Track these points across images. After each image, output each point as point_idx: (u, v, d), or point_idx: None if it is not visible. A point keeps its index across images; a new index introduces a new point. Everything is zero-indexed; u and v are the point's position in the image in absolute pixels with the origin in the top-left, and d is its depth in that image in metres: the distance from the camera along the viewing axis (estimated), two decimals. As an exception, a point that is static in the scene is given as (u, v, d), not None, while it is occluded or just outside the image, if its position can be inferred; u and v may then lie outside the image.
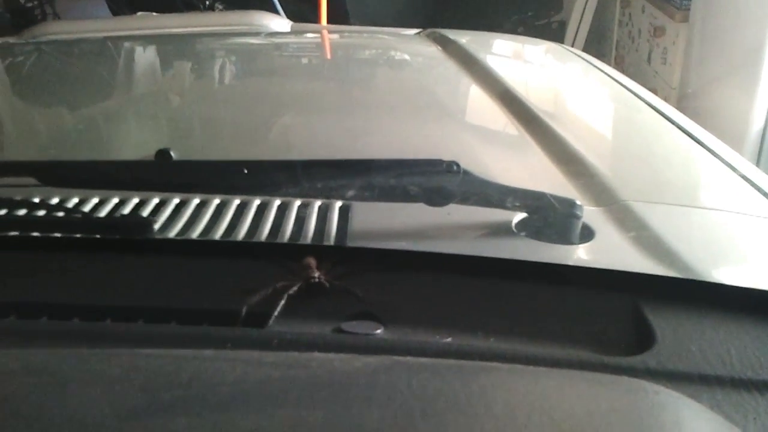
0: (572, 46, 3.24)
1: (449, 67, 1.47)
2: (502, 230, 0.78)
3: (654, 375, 0.54)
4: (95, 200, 0.85)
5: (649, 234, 0.77)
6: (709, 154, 1.04)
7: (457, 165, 0.74)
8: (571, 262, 0.73)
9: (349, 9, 3.60)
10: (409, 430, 0.40)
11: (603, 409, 0.44)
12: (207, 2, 3.40)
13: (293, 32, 1.90)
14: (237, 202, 0.84)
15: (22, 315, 0.64)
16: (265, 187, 0.79)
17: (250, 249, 0.77)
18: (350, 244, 0.75)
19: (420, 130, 1.15)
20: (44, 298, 0.67)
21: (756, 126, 2.66)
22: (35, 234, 0.77)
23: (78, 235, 0.77)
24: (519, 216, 0.79)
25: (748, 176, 0.96)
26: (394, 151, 1.01)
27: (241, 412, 0.41)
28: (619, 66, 3.55)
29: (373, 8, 3.82)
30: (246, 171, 0.74)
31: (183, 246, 0.77)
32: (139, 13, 2.35)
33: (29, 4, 3.73)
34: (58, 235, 0.77)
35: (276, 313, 0.62)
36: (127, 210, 0.83)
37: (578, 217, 0.77)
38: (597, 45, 3.81)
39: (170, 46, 1.76)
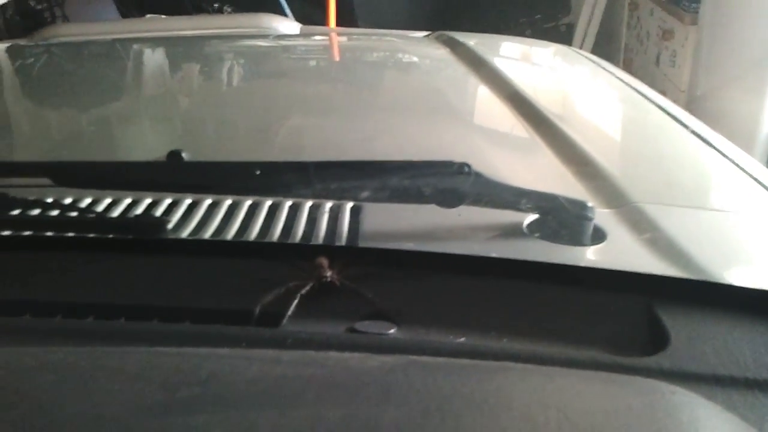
0: (580, 49, 3.24)
1: (459, 70, 1.48)
2: (513, 231, 0.78)
3: (668, 376, 0.53)
4: (108, 201, 0.85)
5: (662, 236, 0.76)
6: (720, 156, 1.04)
7: (469, 166, 0.74)
8: (583, 264, 0.73)
9: (357, 12, 3.61)
10: (427, 428, 0.40)
11: (620, 409, 0.44)
12: (216, 5, 3.42)
13: (302, 35, 1.91)
14: (249, 202, 0.85)
15: (37, 313, 0.64)
16: (277, 188, 0.79)
17: (262, 249, 0.77)
18: (362, 244, 0.76)
19: (431, 132, 1.15)
20: (58, 297, 0.67)
21: (766, 128, 2.66)
22: (50, 234, 0.78)
23: (91, 235, 0.78)
24: (530, 217, 0.79)
25: (759, 178, 0.96)
26: (405, 153, 1.01)
27: (259, 410, 0.42)
28: (628, 69, 3.54)
29: (381, 11, 3.82)
30: (258, 172, 0.75)
31: (196, 246, 0.78)
32: (148, 16, 2.36)
33: (39, 7, 3.76)
34: (72, 234, 0.78)
35: (289, 313, 0.63)
36: (139, 210, 0.83)
37: (590, 219, 0.77)
38: (605, 48, 3.80)
39: (179, 49, 1.76)
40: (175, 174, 0.81)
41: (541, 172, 1.00)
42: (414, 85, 1.50)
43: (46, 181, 0.77)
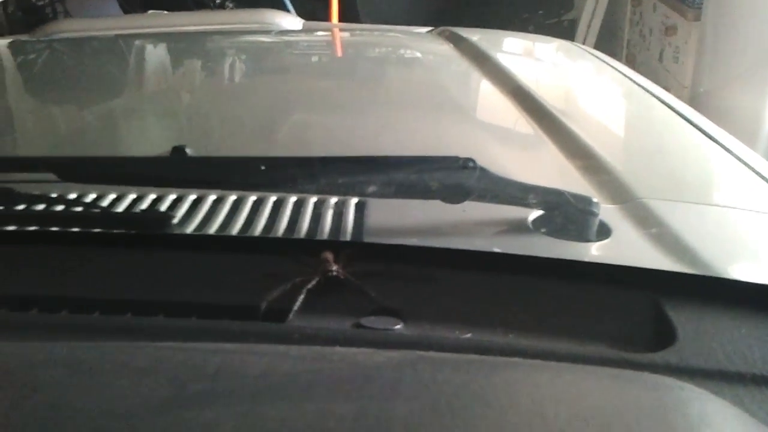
0: (583, 44, 3.23)
1: (462, 65, 1.47)
2: (518, 227, 0.78)
3: (675, 372, 0.53)
4: (112, 196, 0.85)
5: (667, 231, 0.76)
6: (724, 152, 1.03)
7: (474, 162, 0.74)
8: (588, 259, 0.73)
9: (360, 8, 3.60)
10: (437, 423, 0.40)
11: (630, 405, 0.44)
12: (217, 1, 3.41)
13: (305, 30, 1.91)
14: (253, 198, 0.85)
15: (43, 308, 0.64)
16: (281, 183, 0.79)
17: (267, 244, 0.77)
18: (367, 240, 0.76)
19: (435, 127, 1.15)
20: (64, 291, 0.67)
21: (769, 124, 2.65)
22: (55, 229, 0.78)
23: (96, 230, 0.78)
24: (535, 213, 0.79)
25: (764, 174, 0.96)
26: (410, 148, 1.01)
27: (269, 404, 0.42)
28: (631, 65, 3.53)
29: (383, 7, 3.81)
30: (263, 167, 0.74)
31: (200, 241, 0.77)
32: (150, 12, 2.36)
33: (40, 2, 3.75)
34: (77, 229, 0.78)
35: (295, 308, 0.62)
36: (144, 206, 0.83)
37: (595, 215, 0.77)
38: (608, 44, 3.79)
39: (182, 44, 1.76)
40: (180, 169, 0.81)
41: (546, 168, 0.99)
42: (417, 81, 1.50)
43: (50, 176, 0.77)
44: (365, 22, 3.31)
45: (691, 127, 1.13)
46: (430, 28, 1.80)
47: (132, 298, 0.66)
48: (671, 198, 0.87)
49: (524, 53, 1.73)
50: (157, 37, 1.77)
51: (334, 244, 0.74)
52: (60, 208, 0.81)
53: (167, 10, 2.24)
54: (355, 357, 0.50)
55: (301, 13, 2.19)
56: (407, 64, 1.65)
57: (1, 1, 3.40)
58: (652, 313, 0.63)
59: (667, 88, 1.35)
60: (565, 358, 0.54)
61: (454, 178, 0.74)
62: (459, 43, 1.59)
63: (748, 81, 2.68)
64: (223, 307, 0.63)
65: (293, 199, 0.84)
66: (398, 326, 0.61)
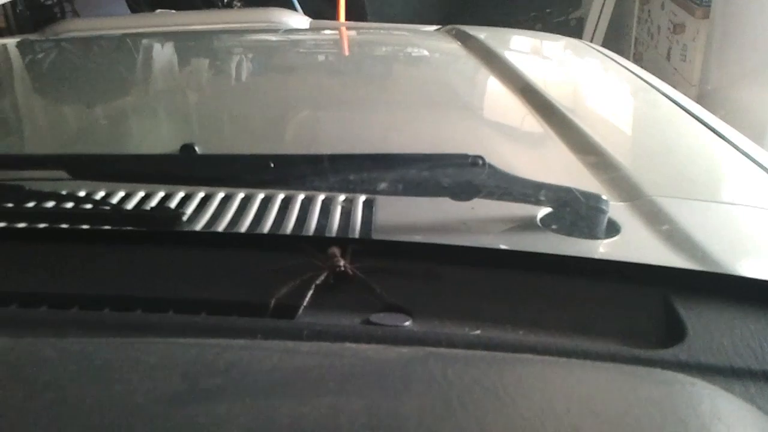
0: (591, 42, 3.23)
1: (471, 63, 1.47)
2: (527, 224, 0.78)
3: (686, 368, 0.53)
4: (122, 193, 0.86)
5: (677, 228, 0.76)
6: (733, 149, 1.03)
7: (483, 159, 0.74)
8: (598, 256, 0.73)
9: (367, 6, 3.60)
10: (448, 419, 0.40)
11: (640, 401, 0.44)
12: (225, 0, 3.42)
13: (312, 29, 1.91)
14: (262, 195, 0.85)
15: (54, 305, 0.65)
16: (290, 180, 0.79)
17: (276, 241, 0.77)
18: (375, 237, 0.76)
19: (444, 125, 1.15)
20: (74, 288, 0.68)
21: (777, 122, 2.64)
22: (65, 226, 0.78)
23: (106, 227, 0.78)
24: (544, 210, 0.79)
25: (774, 172, 0.95)
26: (419, 146, 1.01)
27: (280, 400, 0.42)
28: (638, 63, 3.52)
29: (390, 5, 3.82)
30: (272, 165, 0.75)
31: (209, 238, 0.78)
32: (158, 11, 2.36)
33: (48, 2, 3.77)
34: (86, 227, 0.78)
35: (304, 305, 0.63)
36: (153, 203, 0.84)
37: (604, 212, 0.77)
38: (615, 42, 3.78)
39: (190, 43, 1.77)
40: (190, 167, 0.81)
41: (555, 165, 0.99)
42: (426, 79, 1.50)
43: (60, 173, 0.77)
44: (372, 21, 3.32)
45: (700, 124, 1.12)
46: (437, 27, 1.80)
47: (142, 295, 0.66)
48: (680, 195, 0.86)
49: (532, 51, 1.73)
50: (165, 36, 1.78)
51: (343, 241, 0.74)
52: (70, 205, 0.82)
53: (175, 9, 2.24)
54: (366, 353, 0.50)
55: (308, 12, 2.19)
56: (415, 63, 1.64)
57: (10, 1, 3.41)
58: (662, 309, 0.63)
59: (674, 86, 1.35)
60: (576, 355, 0.54)
61: (463, 175, 0.74)
62: (467, 41, 1.58)
63: (757, 78, 2.67)
64: (232, 303, 0.64)
65: (302, 196, 0.84)
66: (407, 323, 0.61)
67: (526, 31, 1.95)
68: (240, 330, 0.58)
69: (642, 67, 1.50)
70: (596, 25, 3.80)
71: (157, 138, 1.20)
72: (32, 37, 1.83)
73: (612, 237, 0.76)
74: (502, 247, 0.74)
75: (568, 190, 0.76)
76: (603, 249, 0.74)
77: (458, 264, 0.70)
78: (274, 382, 0.44)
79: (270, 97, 1.36)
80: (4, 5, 3.45)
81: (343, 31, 2.08)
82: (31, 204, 0.81)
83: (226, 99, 1.39)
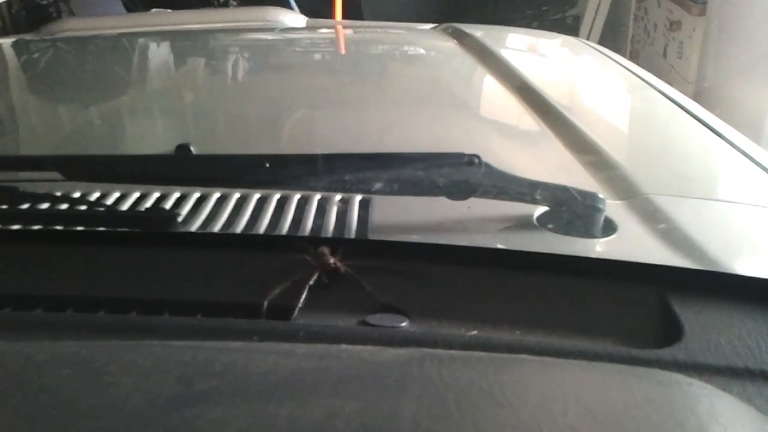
0: (587, 40, 3.23)
1: (467, 62, 1.47)
2: (523, 224, 0.78)
3: (683, 368, 0.53)
4: (117, 194, 0.85)
5: (673, 227, 0.76)
6: (730, 147, 1.03)
7: (479, 158, 0.74)
8: (594, 255, 0.73)
9: (363, 5, 3.60)
10: (445, 421, 0.40)
11: (638, 402, 0.44)
12: (221, -1, 3.41)
13: (308, 28, 1.90)
14: (257, 196, 0.84)
15: (48, 307, 0.64)
16: (286, 180, 0.79)
17: (271, 242, 0.77)
18: (371, 237, 0.75)
19: (440, 124, 1.15)
20: (69, 290, 0.67)
21: (774, 120, 2.64)
22: (59, 227, 0.78)
23: (101, 229, 0.78)
24: (540, 209, 0.79)
25: (770, 169, 0.95)
26: (414, 145, 1.01)
27: (276, 402, 0.41)
28: (634, 60, 3.51)
29: (387, 3, 3.81)
30: (267, 165, 0.74)
31: (205, 239, 0.77)
32: (154, 10, 2.36)
33: (44, 2, 3.75)
34: (81, 228, 0.78)
35: (300, 305, 0.62)
36: (148, 204, 0.83)
37: (601, 211, 0.77)
38: (612, 39, 3.78)
39: (186, 43, 1.76)
40: (184, 167, 0.81)
41: (551, 164, 0.99)
42: (422, 77, 1.49)
43: (54, 174, 0.77)
44: (369, 19, 3.31)
45: (696, 122, 1.12)
46: (434, 25, 1.80)
47: (137, 297, 0.66)
48: (677, 194, 0.86)
49: (528, 49, 1.73)
50: (160, 36, 1.78)
51: (338, 241, 0.74)
52: (64, 206, 0.81)
53: (171, 9, 2.24)
54: (362, 354, 0.50)
55: (304, 11, 2.19)
56: (411, 61, 1.64)
57: (5, 1, 3.40)
58: (658, 309, 0.63)
59: (671, 84, 1.35)
60: (572, 355, 0.54)
61: (459, 174, 0.74)
62: (463, 39, 1.58)
63: (753, 76, 2.67)
64: (229, 305, 0.63)
65: (298, 196, 0.84)
66: (404, 323, 0.61)
67: (522, 29, 1.95)
68: (236, 332, 0.58)
69: (638, 64, 1.50)
70: (592, 23, 3.80)
71: (152, 138, 1.20)
72: (28, 36, 1.82)
73: (609, 236, 0.75)
74: (499, 246, 0.74)
75: (564, 189, 0.76)
76: (600, 248, 0.74)
77: (454, 264, 0.70)
78: (271, 385, 0.44)
79: (266, 97, 1.36)
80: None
81: (339, 29, 2.07)
82: (25, 206, 0.81)
83: (221, 98, 1.39)
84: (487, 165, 0.74)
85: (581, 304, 0.65)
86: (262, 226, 0.78)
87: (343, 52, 1.80)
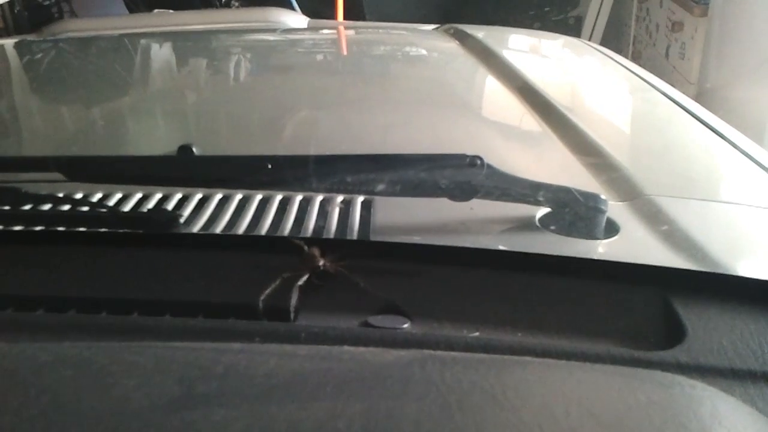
0: (589, 41, 3.23)
1: (469, 63, 1.47)
2: (525, 225, 0.78)
3: (685, 369, 0.53)
4: (119, 195, 0.85)
5: (676, 228, 0.76)
6: (733, 148, 1.03)
7: (481, 159, 0.74)
8: (596, 257, 0.73)
9: (365, 6, 3.60)
10: (447, 422, 0.40)
11: (640, 404, 0.44)
12: (223, -1, 3.41)
13: (310, 29, 1.91)
14: (259, 197, 0.85)
15: (50, 308, 0.64)
16: (288, 181, 0.79)
17: (273, 243, 0.77)
18: (373, 238, 0.75)
19: (442, 125, 1.15)
20: (71, 291, 0.67)
21: (776, 121, 2.64)
22: (61, 228, 0.78)
23: (103, 230, 0.78)
24: (542, 211, 0.79)
25: (773, 170, 0.95)
26: (417, 147, 1.01)
27: (278, 404, 0.41)
28: (636, 61, 3.51)
29: (389, 4, 3.81)
30: (269, 166, 0.74)
31: (207, 240, 0.77)
32: (156, 11, 2.36)
33: (46, 2, 3.75)
34: (83, 229, 0.78)
35: (299, 306, 0.62)
36: (150, 205, 0.83)
37: (603, 212, 0.76)
38: (614, 40, 3.78)
39: (188, 43, 1.76)
40: (187, 168, 0.81)
41: (553, 165, 0.99)
42: (424, 78, 1.49)
43: (56, 175, 0.77)
44: (370, 20, 3.31)
45: (699, 123, 1.12)
46: (435, 26, 1.80)
47: (139, 298, 0.66)
48: (679, 195, 0.86)
49: (530, 50, 1.72)
50: (162, 36, 1.78)
51: (340, 242, 0.74)
52: (67, 207, 0.81)
53: (173, 9, 2.24)
54: (364, 356, 0.50)
55: (306, 12, 2.19)
56: (413, 62, 1.64)
57: (7, 1, 3.41)
58: (661, 310, 0.63)
59: (673, 85, 1.35)
60: (575, 357, 0.54)
61: (461, 175, 0.74)
62: (465, 40, 1.58)
63: (755, 77, 2.67)
64: (230, 306, 0.63)
65: (300, 197, 0.84)
66: (406, 325, 0.61)
67: (524, 29, 1.95)
68: (237, 333, 0.58)
69: (640, 65, 1.50)
70: (594, 24, 3.80)
71: (154, 139, 1.20)
72: (30, 37, 1.82)
73: (611, 237, 0.75)
74: (501, 247, 0.74)
75: (566, 190, 0.76)
76: (602, 249, 0.74)
77: (456, 265, 0.70)
78: (272, 386, 0.44)
79: (268, 98, 1.36)
80: (1, 6, 3.44)
81: (341, 30, 2.07)
82: (27, 206, 0.81)
83: (223, 99, 1.39)
84: (489, 166, 0.73)
85: (583, 305, 0.65)
86: (264, 227, 0.78)
87: (344, 52, 1.80)
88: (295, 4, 2.85)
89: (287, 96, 1.35)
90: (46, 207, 0.81)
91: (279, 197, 0.84)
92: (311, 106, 1.27)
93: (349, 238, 0.76)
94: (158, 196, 0.85)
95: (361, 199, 0.83)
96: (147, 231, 0.78)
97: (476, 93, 1.43)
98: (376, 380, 0.45)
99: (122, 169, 0.80)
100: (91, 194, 0.85)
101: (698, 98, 2.82)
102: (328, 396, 0.43)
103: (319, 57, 1.73)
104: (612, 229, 0.76)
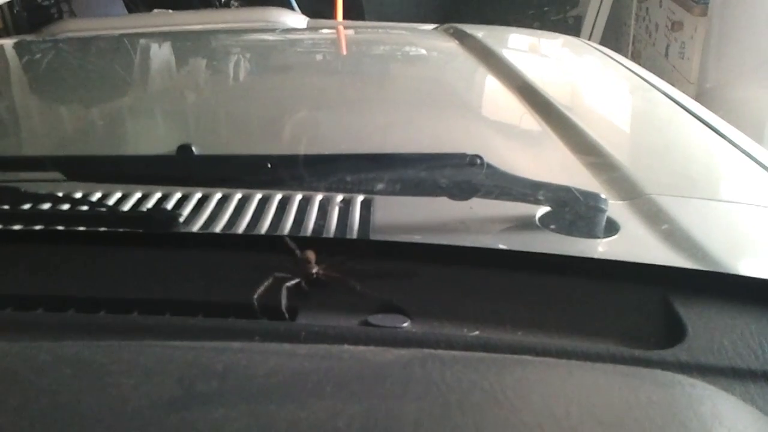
0: (589, 40, 3.23)
1: (469, 62, 1.47)
2: (525, 224, 0.78)
3: (686, 369, 0.53)
4: (118, 195, 0.85)
5: (676, 227, 0.76)
6: (733, 147, 1.03)
7: (481, 159, 0.74)
8: (597, 256, 0.73)
9: (365, 5, 3.60)
10: (447, 422, 0.40)
11: (641, 403, 0.43)
12: (222, -1, 3.41)
13: (309, 28, 1.90)
14: (259, 196, 0.85)
15: (50, 308, 0.64)
16: (288, 181, 0.79)
17: (272, 242, 0.77)
18: (373, 237, 0.75)
19: (442, 124, 1.15)
20: (70, 291, 0.67)
21: (776, 120, 2.63)
22: (60, 228, 0.78)
23: (103, 229, 0.78)
24: (542, 210, 0.79)
25: (773, 169, 0.95)
26: (416, 146, 1.01)
27: (278, 403, 0.41)
28: (636, 61, 3.51)
29: (388, 4, 3.81)
30: (269, 165, 0.74)
31: (206, 240, 0.77)
32: (156, 11, 2.36)
33: (45, 2, 3.75)
34: (82, 228, 0.78)
35: (299, 305, 0.62)
36: (150, 204, 0.83)
37: (603, 211, 0.76)
38: (613, 40, 3.78)
39: (187, 43, 1.76)
40: (186, 167, 0.81)
41: (553, 164, 0.99)
42: (424, 78, 1.49)
43: (56, 175, 0.77)
44: (370, 20, 3.31)
45: (699, 122, 1.12)
46: (435, 25, 1.80)
47: (138, 297, 0.66)
48: (679, 194, 0.86)
49: (530, 50, 1.72)
50: (162, 36, 1.77)
51: (340, 241, 0.74)
52: (66, 207, 0.81)
53: (172, 9, 2.24)
54: (364, 355, 0.50)
55: (306, 11, 2.19)
56: (413, 62, 1.64)
57: (7, 1, 3.41)
58: (661, 309, 0.63)
59: (672, 84, 1.35)
60: (575, 356, 0.54)
61: (461, 175, 0.74)
62: (464, 39, 1.58)
63: (755, 76, 2.67)
64: (229, 305, 0.63)
65: (299, 196, 0.84)
66: (406, 324, 0.60)
67: (523, 29, 1.95)
68: (237, 332, 0.58)
69: (640, 64, 1.50)
70: (594, 23, 3.80)
71: (154, 138, 1.20)
72: (29, 37, 1.82)
73: (611, 236, 0.75)
74: (501, 246, 0.74)
75: (566, 189, 0.76)
76: (602, 248, 0.74)
77: (456, 264, 0.70)
78: (272, 386, 0.44)
79: (268, 97, 1.36)
80: (1, 6, 3.44)
81: (340, 30, 2.07)
82: (26, 206, 0.81)
83: (223, 99, 1.39)
84: (489, 165, 0.73)
85: (583, 304, 0.65)
86: (264, 227, 0.78)
87: (344, 52, 1.80)
88: (294, 4, 2.85)
89: (287, 96, 1.35)
90: (46, 206, 0.81)
91: (278, 196, 0.84)
92: (311, 106, 1.27)
93: (348, 237, 0.76)
94: (158, 195, 0.85)
95: (360, 198, 0.83)
96: (146, 230, 0.78)
97: (476, 92, 1.43)
98: (376, 379, 0.45)
99: (121, 169, 0.80)
100: (91, 194, 0.85)
101: (698, 98, 2.81)
102: (328, 395, 0.42)
103: (319, 57, 1.73)
104: (612, 228, 0.76)
